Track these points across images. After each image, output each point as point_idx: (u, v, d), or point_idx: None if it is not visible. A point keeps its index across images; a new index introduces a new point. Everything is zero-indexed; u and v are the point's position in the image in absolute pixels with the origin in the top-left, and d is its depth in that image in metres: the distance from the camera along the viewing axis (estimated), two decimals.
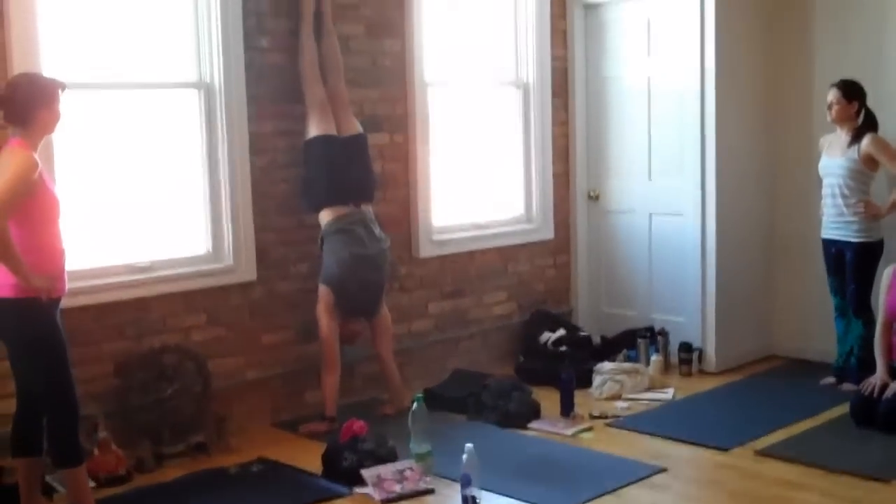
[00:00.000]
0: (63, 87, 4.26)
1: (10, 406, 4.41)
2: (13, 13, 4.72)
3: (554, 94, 7.23)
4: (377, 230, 5.82)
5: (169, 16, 5.47)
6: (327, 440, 5.19)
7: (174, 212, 5.58)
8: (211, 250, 5.63)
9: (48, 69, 4.74)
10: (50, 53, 4.89)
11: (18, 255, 4.00)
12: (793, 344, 7.02)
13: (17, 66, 4.66)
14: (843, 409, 5.74)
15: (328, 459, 4.98)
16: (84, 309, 4.93)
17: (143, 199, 5.43)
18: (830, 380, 6.32)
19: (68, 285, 4.30)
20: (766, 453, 5.19)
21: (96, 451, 4.84)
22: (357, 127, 5.89)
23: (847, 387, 6.07)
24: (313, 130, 5.76)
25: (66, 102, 4.30)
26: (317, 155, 5.74)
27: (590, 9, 7.30)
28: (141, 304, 5.28)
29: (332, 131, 5.77)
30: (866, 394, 5.54)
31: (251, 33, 5.63)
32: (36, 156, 4.10)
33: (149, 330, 5.32)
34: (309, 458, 5.11)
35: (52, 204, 4.19)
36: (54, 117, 4.23)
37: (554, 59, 7.22)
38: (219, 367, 5.54)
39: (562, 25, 7.29)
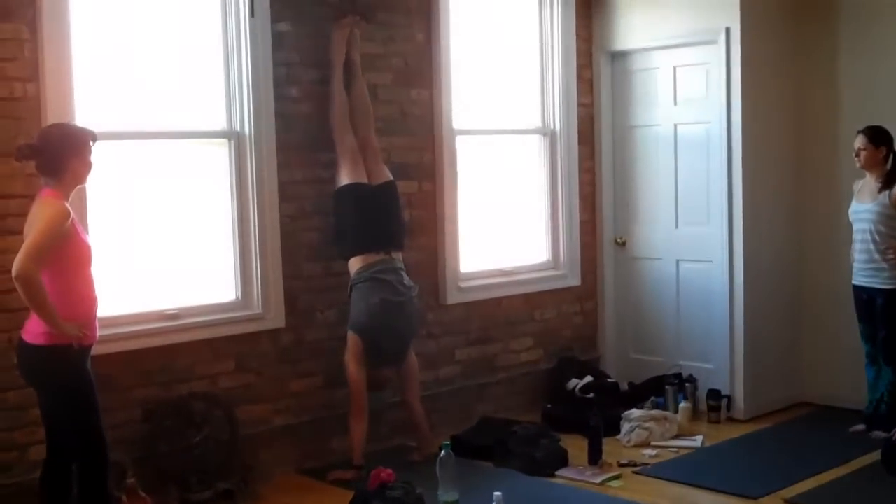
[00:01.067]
0: (94, 137, 4.32)
1: (41, 452, 4.44)
2: (48, 64, 4.81)
3: (580, 142, 7.27)
4: (406, 278, 5.84)
5: (200, 66, 5.55)
6: (355, 488, 5.19)
7: (204, 259, 5.63)
8: (240, 297, 5.67)
9: (81, 119, 4.81)
10: (83, 103, 4.96)
11: (51, 303, 4.04)
12: (822, 391, 6.96)
13: (52, 116, 4.74)
14: (873, 457, 5.70)
15: None
16: (114, 355, 4.96)
17: (173, 247, 5.48)
18: (860, 427, 6.27)
19: (99, 332, 4.35)
20: (795, 502, 5.15)
21: (124, 498, 4.85)
22: (387, 174, 5.94)
23: (877, 434, 6.01)
24: (344, 179, 5.80)
25: (98, 152, 4.36)
26: (347, 203, 5.78)
27: (616, 57, 7.35)
28: (170, 350, 5.31)
29: (363, 179, 5.81)
30: None
31: (281, 83, 5.70)
32: (67, 205, 4.16)
33: (177, 377, 5.35)
34: None
35: (85, 252, 4.23)
36: (86, 167, 4.28)
37: (580, 106, 7.27)
38: (246, 413, 5.56)
39: (588, 74, 7.35)
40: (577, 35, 7.23)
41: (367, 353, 5.68)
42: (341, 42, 5.87)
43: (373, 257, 5.75)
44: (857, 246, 6.18)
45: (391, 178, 5.94)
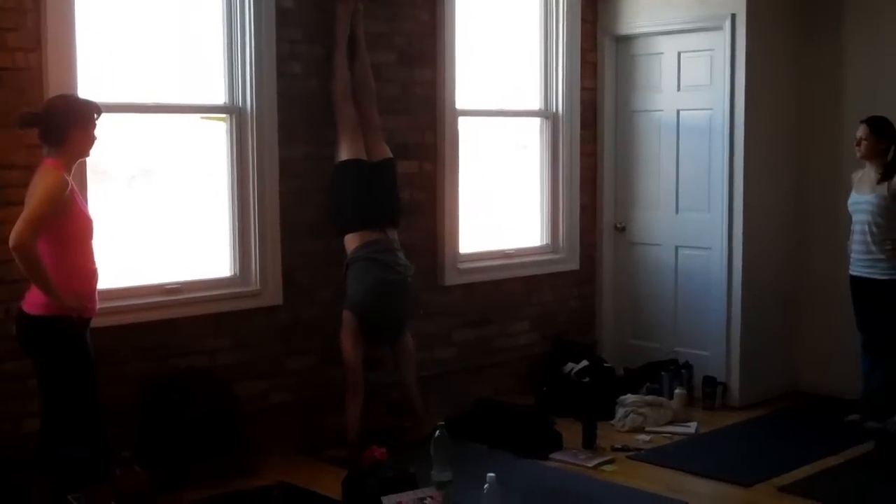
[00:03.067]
0: (99, 110, 4.32)
1: (35, 425, 4.45)
2: (50, 36, 4.78)
3: (583, 126, 7.26)
4: (402, 257, 5.84)
5: (203, 40, 5.54)
6: (349, 466, 5.20)
7: (203, 234, 5.63)
8: (238, 274, 5.67)
9: (83, 91, 4.80)
10: (85, 75, 4.95)
11: (49, 274, 4.04)
12: (818, 380, 6.98)
13: (54, 88, 4.72)
14: (867, 446, 5.71)
15: (349, 485, 4.98)
16: (111, 329, 4.95)
17: (172, 221, 5.48)
18: (855, 417, 6.27)
19: (98, 305, 4.35)
20: (788, 490, 5.17)
21: (119, 472, 4.85)
22: (387, 152, 5.92)
23: (872, 424, 6.02)
24: (344, 154, 5.79)
25: (101, 125, 4.35)
26: (345, 179, 5.78)
27: (621, 41, 7.34)
28: (168, 325, 5.31)
29: (363, 155, 5.81)
30: (892, 431, 5.50)
31: (284, 59, 5.69)
32: (68, 176, 4.15)
33: (175, 351, 5.35)
34: (330, 483, 5.12)
35: (85, 224, 4.23)
36: (89, 140, 4.28)
37: (584, 90, 7.25)
38: (243, 390, 5.56)
39: (592, 57, 7.33)
40: (583, 18, 7.20)
41: (363, 332, 5.68)
42: (345, 17, 5.84)
43: (369, 235, 5.74)
44: (855, 237, 6.18)
45: (391, 155, 5.93)
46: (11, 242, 3.99)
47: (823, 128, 6.90)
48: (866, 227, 6.06)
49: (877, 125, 6.06)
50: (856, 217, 6.16)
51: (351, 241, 5.77)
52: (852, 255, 6.21)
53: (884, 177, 6.01)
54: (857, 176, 6.23)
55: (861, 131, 6.11)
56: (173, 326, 5.34)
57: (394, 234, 5.88)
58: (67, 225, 4.16)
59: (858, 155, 6.14)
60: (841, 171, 6.59)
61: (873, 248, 6.04)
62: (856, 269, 6.20)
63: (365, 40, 5.95)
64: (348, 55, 5.89)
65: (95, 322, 4.47)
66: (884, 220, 6.00)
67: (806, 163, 6.99)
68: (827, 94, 6.88)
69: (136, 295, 5.24)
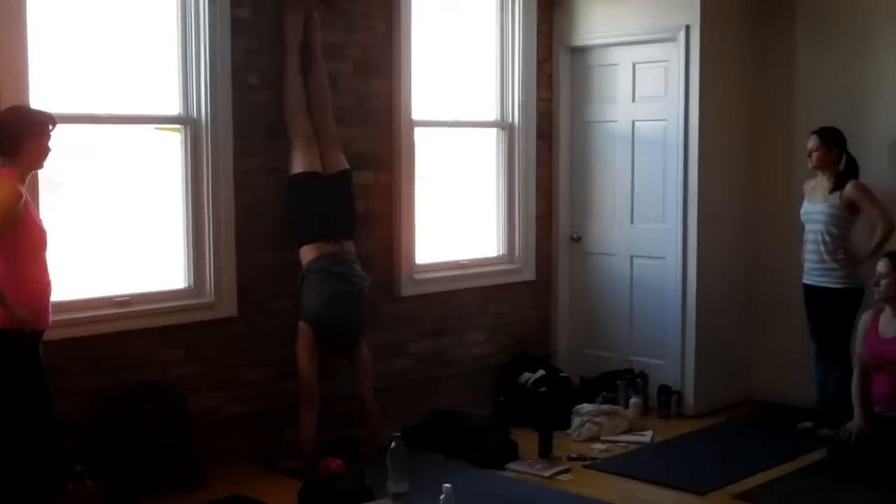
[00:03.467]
0: (54, 121, 4.30)
1: None
2: (2, 45, 4.73)
3: (538, 136, 7.28)
4: (358, 269, 5.82)
5: (156, 50, 5.50)
6: (304, 478, 5.17)
7: (156, 246, 5.58)
8: (192, 285, 5.62)
9: (35, 101, 4.75)
10: (37, 85, 4.89)
11: (1, 286, 4.00)
12: (771, 388, 7.04)
13: (5, 98, 4.66)
14: (820, 454, 5.78)
15: (304, 498, 4.96)
16: (62, 342, 4.87)
17: (125, 233, 5.43)
18: (808, 424, 6.33)
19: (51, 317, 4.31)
20: (743, 497, 5.21)
21: (71, 486, 4.80)
22: (343, 163, 5.90)
23: (825, 432, 6.08)
24: (297, 166, 5.75)
25: (55, 136, 4.32)
26: (300, 191, 5.74)
27: (576, 52, 7.37)
28: (120, 338, 5.25)
29: (317, 167, 5.77)
30: (844, 439, 5.56)
31: (239, 69, 5.66)
32: (22, 187, 4.11)
33: (127, 364, 5.30)
34: (285, 496, 5.09)
35: (38, 235, 4.20)
36: (43, 151, 4.26)
37: (539, 101, 7.28)
38: (197, 402, 5.52)
39: (547, 68, 7.36)
40: (538, 29, 7.23)
41: (319, 344, 5.66)
42: (296, 26, 5.78)
43: (325, 247, 5.72)
44: (808, 246, 6.24)
45: (347, 167, 5.91)
46: None
47: (777, 138, 6.97)
48: (819, 237, 6.13)
49: (827, 135, 6.14)
50: (808, 226, 6.22)
51: (307, 253, 5.74)
52: (805, 263, 6.28)
53: (835, 186, 6.09)
54: (810, 185, 6.30)
55: (812, 142, 6.18)
56: (126, 339, 5.28)
57: (350, 246, 5.86)
58: (21, 236, 4.13)
59: (810, 165, 6.21)
60: (794, 181, 6.66)
61: (826, 256, 6.11)
62: (809, 278, 6.27)
63: (321, 49, 5.93)
64: (304, 65, 5.86)
65: (46, 335, 4.42)
66: (836, 229, 6.08)
67: (759, 172, 7.05)
68: (780, 104, 6.95)
69: (88, 307, 5.18)
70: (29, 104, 4.66)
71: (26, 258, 4.16)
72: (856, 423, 5.59)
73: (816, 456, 5.80)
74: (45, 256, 4.26)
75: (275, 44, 5.80)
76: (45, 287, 4.26)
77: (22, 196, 4.09)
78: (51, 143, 4.30)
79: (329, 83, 5.96)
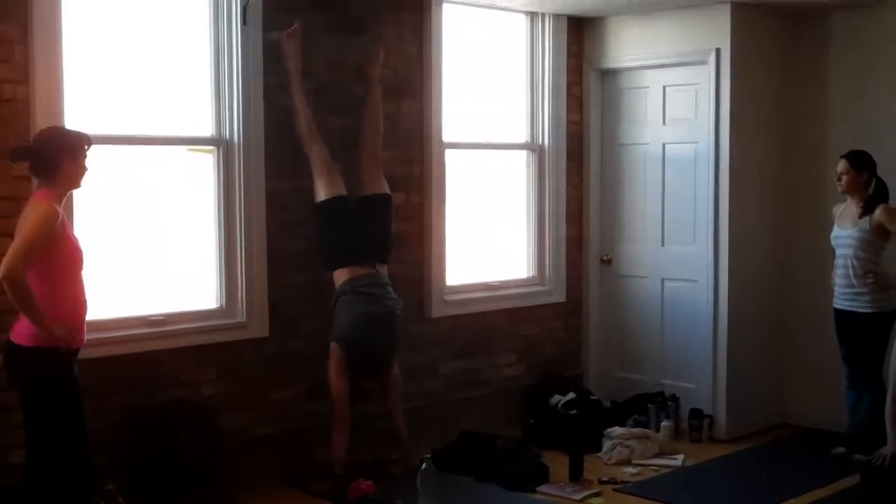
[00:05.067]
0: (89, 141, 4.33)
1: (21, 456, 4.41)
2: (38, 68, 4.79)
3: (569, 158, 7.29)
4: (391, 291, 5.83)
5: (190, 72, 5.55)
6: (335, 499, 5.17)
7: (189, 266, 5.62)
8: (224, 306, 5.65)
9: (70, 122, 4.80)
10: (73, 107, 4.95)
11: (38, 304, 4.04)
12: (804, 413, 6.99)
13: (41, 119, 4.72)
14: (853, 479, 5.72)
15: None
16: (96, 360, 4.91)
17: (158, 253, 5.47)
18: (841, 450, 6.28)
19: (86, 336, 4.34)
20: None
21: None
22: (384, 187, 5.92)
23: (858, 457, 6.03)
24: (322, 194, 5.75)
25: (90, 156, 4.36)
26: (329, 219, 5.75)
27: (606, 75, 7.38)
28: (153, 357, 5.29)
29: (342, 191, 5.77)
30: (877, 464, 5.51)
31: (272, 92, 5.70)
32: (59, 208, 4.16)
33: (159, 383, 5.33)
34: None
35: (75, 255, 4.23)
36: (80, 171, 4.29)
37: (569, 123, 7.29)
38: (228, 422, 5.53)
39: (577, 91, 7.37)
40: (568, 52, 7.25)
41: (349, 364, 5.66)
42: (293, 53, 5.69)
43: (358, 270, 5.73)
44: (838, 271, 6.20)
45: (387, 191, 5.93)
46: (2, 272, 3.99)
47: (807, 160, 6.95)
48: (848, 261, 6.09)
49: (856, 159, 6.11)
50: (839, 251, 6.19)
51: (340, 276, 5.75)
52: (835, 288, 6.24)
53: (865, 211, 6.05)
54: (839, 210, 6.27)
55: (841, 166, 6.15)
56: (158, 358, 5.32)
57: (384, 270, 5.86)
58: (58, 255, 4.16)
59: (839, 189, 6.18)
60: (825, 205, 6.63)
61: (855, 281, 6.07)
62: (839, 303, 6.23)
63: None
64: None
65: (81, 353, 4.45)
66: (865, 253, 6.04)
67: (790, 195, 7.03)
68: (811, 127, 6.93)
69: (122, 327, 5.22)
70: (64, 125, 4.70)
71: (63, 277, 4.19)
72: (889, 447, 5.54)
73: (849, 481, 5.74)
74: (81, 275, 4.29)
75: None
76: (82, 306, 4.29)
77: (59, 216, 4.13)
78: (87, 163, 4.33)
79: (357, 106, 5.99)
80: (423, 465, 4.96)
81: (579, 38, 7.35)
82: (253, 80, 5.60)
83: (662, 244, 7.15)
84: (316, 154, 5.76)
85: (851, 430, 6.27)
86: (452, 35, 6.64)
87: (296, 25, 5.68)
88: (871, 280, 6.00)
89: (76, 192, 4.66)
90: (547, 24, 7.12)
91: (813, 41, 6.90)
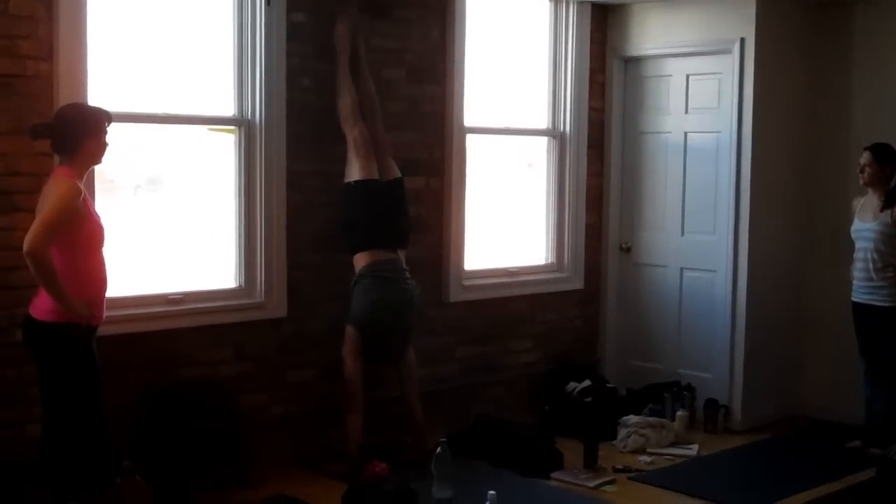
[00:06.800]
0: (110, 118, 4.35)
1: (38, 430, 4.45)
2: (62, 44, 4.80)
3: (590, 146, 7.27)
4: (408, 276, 5.83)
5: (213, 52, 5.56)
6: (349, 481, 5.19)
7: (208, 245, 5.64)
8: (243, 285, 5.67)
9: (93, 99, 4.81)
10: (95, 84, 4.96)
11: (60, 280, 4.06)
12: (820, 405, 6.97)
13: (64, 96, 4.74)
14: (868, 473, 5.70)
15: (349, 500, 4.98)
16: (114, 337, 4.91)
17: (178, 231, 5.49)
18: (857, 443, 6.27)
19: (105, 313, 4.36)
20: None
21: (120, 481, 4.85)
22: (396, 171, 5.91)
23: (874, 451, 6.01)
24: (355, 174, 5.74)
25: (111, 133, 4.37)
26: (358, 200, 5.73)
27: (629, 62, 7.36)
28: (171, 335, 5.31)
29: (374, 175, 5.76)
30: (893, 458, 5.49)
31: (294, 73, 5.70)
32: (80, 184, 4.17)
33: (178, 361, 5.35)
34: (330, 497, 5.12)
35: (96, 231, 4.25)
36: (100, 147, 4.31)
37: (591, 110, 7.27)
38: (244, 402, 5.56)
39: (600, 78, 7.35)
40: (591, 39, 7.22)
41: (365, 348, 5.67)
42: (345, 33, 5.79)
43: (379, 254, 5.73)
44: (857, 264, 6.18)
45: (399, 174, 5.92)
46: (25, 248, 4.01)
47: (830, 152, 6.92)
48: (868, 255, 6.06)
49: (880, 152, 6.07)
50: (858, 244, 6.16)
51: (360, 260, 5.74)
52: (854, 281, 6.22)
53: (886, 204, 6.02)
54: (859, 203, 6.24)
55: (864, 158, 6.12)
56: (177, 336, 5.34)
57: (403, 255, 5.87)
58: (79, 232, 4.18)
59: (861, 182, 6.15)
60: (847, 197, 6.60)
61: (874, 275, 6.04)
62: (857, 296, 6.20)
63: (376, 58, 5.95)
64: (351, 73, 5.89)
65: (100, 330, 4.47)
66: (886, 247, 6.01)
67: (812, 188, 7.00)
68: (835, 118, 6.90)
69: (142, 304, 5.24)
70: (87, 102, 4.72)
71: (84, 253, 4.21)
72: None
73: (865, 475, 5.73)
74: (102, 252, 4.31)
75: (329, 47, 5.83)
76: (102, 282, 4.32)
77: (81, 193, 4.15)
78: (108, 139, 4.34)
79: (383, 89, 5.98)
80: (438, 449, 4.97)
81: (603, 25, 7.33)
82: (276, 61, 5.60)
83: (682, 233, 7.13)
84: (357, 134, 5.76)
85: (868, 423, 6.25)
86: (475, 20, 6.62)
87: (351, 10, 5.77)
88: (890, 274, 5.98)
89: (98, 170, 4.69)
90: (571, 10, 7.10)
91: (837, 31, 6.87)
